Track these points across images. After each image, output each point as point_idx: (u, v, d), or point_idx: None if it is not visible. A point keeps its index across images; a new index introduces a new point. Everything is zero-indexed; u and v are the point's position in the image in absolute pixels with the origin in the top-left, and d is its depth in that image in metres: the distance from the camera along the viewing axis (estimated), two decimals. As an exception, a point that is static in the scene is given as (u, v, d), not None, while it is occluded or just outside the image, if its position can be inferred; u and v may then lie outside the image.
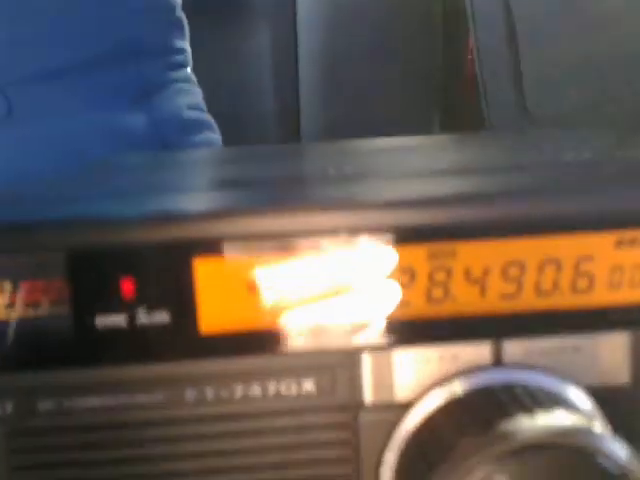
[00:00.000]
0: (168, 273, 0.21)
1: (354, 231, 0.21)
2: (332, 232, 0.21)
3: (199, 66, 0.71)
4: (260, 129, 0.80)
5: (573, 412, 0.19)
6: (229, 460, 0.22)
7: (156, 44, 0.67)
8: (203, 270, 0.21)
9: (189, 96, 0.69)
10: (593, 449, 0.18)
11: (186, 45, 0.69)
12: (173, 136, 0.66)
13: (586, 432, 0.18)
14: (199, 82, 0.70)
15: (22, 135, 0.62)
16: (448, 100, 0.80)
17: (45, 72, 0.63)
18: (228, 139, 0.69)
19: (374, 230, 0.21)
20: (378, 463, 0.22)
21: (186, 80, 0.70)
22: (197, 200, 0.24)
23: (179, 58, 0.69)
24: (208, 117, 0.69)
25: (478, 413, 0.19)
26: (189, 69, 0.70)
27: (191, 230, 0.21)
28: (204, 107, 0.70)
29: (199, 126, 0.68)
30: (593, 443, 0.18)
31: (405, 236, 0.21)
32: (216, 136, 0.68)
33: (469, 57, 0.81)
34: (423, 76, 0.81)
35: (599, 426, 0.20)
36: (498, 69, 0.70)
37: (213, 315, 0.21)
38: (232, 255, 0.21)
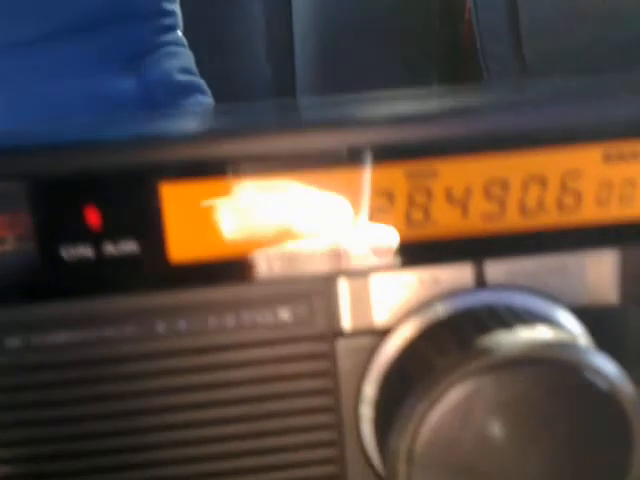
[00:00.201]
0: (134, 200, 0.20)
1: (329, 152, 0.20)
2: (306, 154, 0.20)
3: (192, 29, 0.70)
4: (254, 93, 0.79)
5: (558, 329, 0.18)
6: (204, 395, 0.21)
7: (144, 7, 0.65)
8: (171, 196, 0.20)
9: (179, 59, 0.68)
10: (580, 364, 0.17)
11: (176, 7, 0.68)
12: (163, 100, 0.64)
13: (571, 346, 0.17)
14: (192, 45, 0.69)
15: (8, 102, 0.61)
16: (446, 60, 0.78)
17: (29, 38, 0.61)
18: (220, 102, 0.68)
19: (349, 150, 0.20)
20: (358, 392, 0.21)
21: (176, 43, 0.68)
22: (164, 125, 0.24)
23: (169, 21, 0.67)
24: (199, 80, 0.68)
25: (458, 333, 0.19)
26: (179, 32, 0.69)
27: (157, 153, 0.20)
28: (195, 70, 0.69)
29: (190, 89, 0.67)
30: (579, 358, 0.17)
31: (382, 155, 0.20)
32: (208, 99, 0.67)
33: (466, 17, 0.79)
34: (421, 33, 0.79)
35: (586, 343, 0.19)
36: (496, 25, 0.69)
37: (183, 243, 0.20)
38: (201, 179, 0.20)
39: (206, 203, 0.20)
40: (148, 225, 0.20)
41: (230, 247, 0.20)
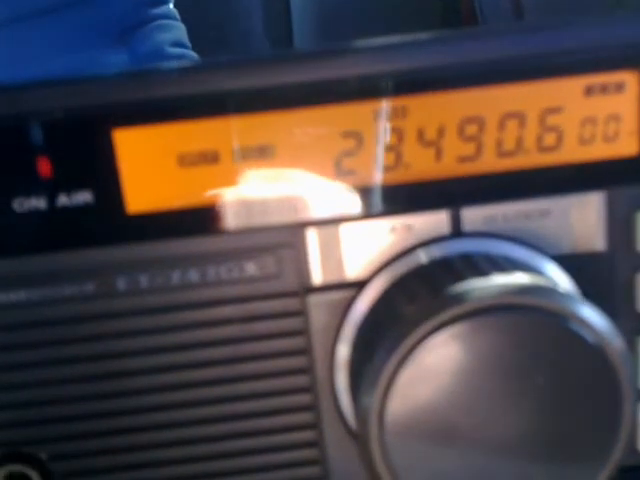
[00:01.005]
0: (86, 148, 0.19)
1: (289, 91, 0.18)
2: (265, 93, 0.18)
3: (187, 4, 0.68)
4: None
5: (538, 275, 0.17)
6: (170, 357, 0.20)
7: (133, -20, 0.64)
8: (125, 142, 0.19)
9: (171, 32, 0.67)
10: (562, 313, 0.16)
11: (167, -20, 0.67)
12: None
13: (551, 292, 0.16)
14: (188, 20, 0.68)
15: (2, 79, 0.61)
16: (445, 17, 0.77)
17: (19, 14, 0.60)
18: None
19: (311, 87, 0.18)
20: (332, 351, 0.20)
21: (167, 16, 0.67)
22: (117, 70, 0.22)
23: (159, -7, 0.66)
24: (192, 53, 0.67)
25: (431, 282, 0.17)
26: (171, 5, 0.68)
27: (107, 96, 0.18)
28: (188, 44, 0.67)
29: (182, 62, 0.65)
30: (562, 306, 0.16)
31: (348, 93, 0.18)
32: (201, 73, 0.66)
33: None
34: (421, 7, 0.78)
35: (574, 293, 0.18)
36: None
37: (141, 193, 0.19)
38: (157, 123, 0.19)
39: (163, 149, 0.19)
40: (102, 174, 0.19)
41: (191, 196, 0.19)
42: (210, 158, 0.19)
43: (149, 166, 0.19)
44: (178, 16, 0.68)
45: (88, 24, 0.62)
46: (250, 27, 0.81)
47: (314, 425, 0.21)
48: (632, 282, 0.19)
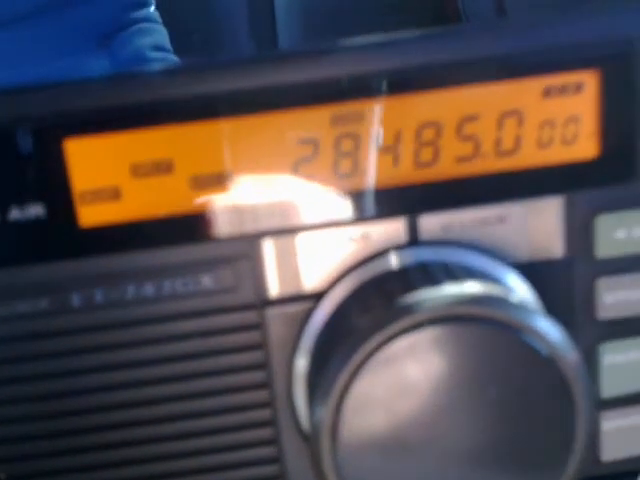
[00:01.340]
0: (37, 159, 0.18)
1: (244, 97, 0.18)
2: (218, 100, 0.18)
3: (170, 6, 0.68)
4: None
5: (493, 285, 0.17)
6: (127, 373, 0.19)
7: (113, -17, 0.64)
8: (77, 152, 0.18)
9: (152, 36, 0.66)
10: (515, 323, 0.16)
11: (148, -17, 0.66)
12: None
13: (503, 303, 0.16)
14: (171, 22, 0.67)
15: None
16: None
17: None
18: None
19: (267, 92, 0.18)
20: (290, 365, 0.19)
21: (149, 19, 0.67)
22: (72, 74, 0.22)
23: (140, -3, 0.66)
24: (173, 57, 0.66)
25: (385, 292, 0.17)
26: (153, 8, 0.67)
27: (58, 104, 0.18)
28: (169, 47, 0.67)
29: (164, 66, 0.65)
30: (515, 316, 0.16)
31: (304, 98, 0.18)
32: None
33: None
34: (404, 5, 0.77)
35: (529, 303, 0.17)
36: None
37: (93, 206, 0.19)
38: (110, 133, 0.18)
39: (116, 159, 0.18)
40: (54, 186, 0.18)
41: (145, 208, 0.19)
42: (164, 168, 0.18)
43: (102, 177, 0.18)
44: (159, 19, 0.67)
45: (68, 29, 0.62)
46: (235, 27, 0.81)
47: (274, 440, 0.20)
48: (592, 289, 0.19)
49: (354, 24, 0.75)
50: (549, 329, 0.16)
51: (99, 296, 0.19)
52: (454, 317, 0.15)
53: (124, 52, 0.63)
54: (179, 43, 0.68)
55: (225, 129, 0.18)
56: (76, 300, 0.19)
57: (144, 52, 0.64)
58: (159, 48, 0.65)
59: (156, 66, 0.20)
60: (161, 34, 0.66)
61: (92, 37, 0.62)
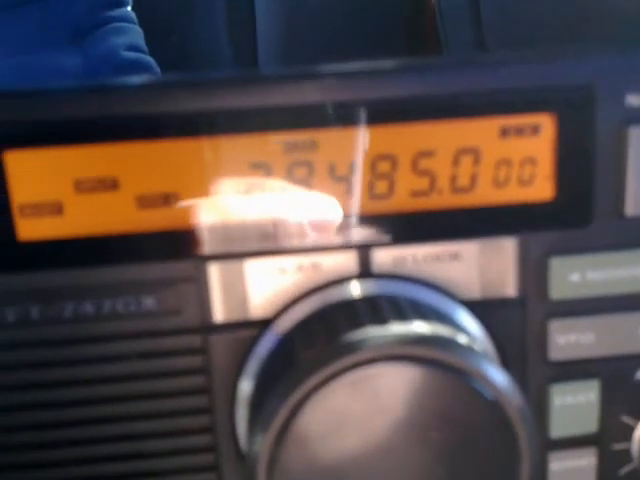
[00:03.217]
0: None
1: (195, 117, 0.17)
2: (166, 119, 0.17)
3: (148, 8, 0.67)
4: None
5: (441, 324, 0.16)
6: (64, 392, 0.19)
7: (88, -20, 0.63)
8: (17, 165, 0.18)
9: (127, 36, 0.65)
10: (461, 366, 0.15)
11: (124, -18, 0.65)
12: (108, 77, 0.62)
13: (450, 344, 0.15)
14: (149, 24, 0.66)
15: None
16: (409, 43, 0.76)
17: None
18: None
19: (218, 116, 0.17)
20: (233, 391, 0.19)
21: (124, 19, 0.66)
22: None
23: (115, -5, 0.65)
24: (148, 58, 0.65)
25: (329, 327, 0.16)
26: (129, 8, 0.66)
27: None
28: (144, 48, 0.66)
29: (137, 67, 0.64)
30: (461, 359, 0.15)
31: (255, 125, 0.17)
32: (157, 78, 0.65)
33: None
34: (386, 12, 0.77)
35: (477, 344, 0.17)
36: (457, 9, 0.67)
37: (32, 220, 0.18)
38: (53, 146, 0.17)
39: (59, 173, 0.18)
40: None
41: (87, 224, 0.18)
42: (109, 185, 0.18)
43: (43, 191, 0.18)
44: (136, 19, 0.66)
45: (39, 25, 0.60)
46: (213, 30, 0.80)
47: (214, 466, 0.20)
48: (544, 330, 0.19)
49: (336, 36, 0.75)
50: (494, 373, 0.16)
51: (35, 312, 0.18)
52: (398, 357, 0.15)
53: (97, 50, 0.62)
54: (155, 44, 0.67)
55: (174, 149, 0.17)
56: (10, 315, 0.18)
57: (118, 51, 0.63)
58: (134, 48, 0.64)
59: (103, 81, 0.19)
60: (136, 34, 0.65)
61: (65, 33, 0.61)
